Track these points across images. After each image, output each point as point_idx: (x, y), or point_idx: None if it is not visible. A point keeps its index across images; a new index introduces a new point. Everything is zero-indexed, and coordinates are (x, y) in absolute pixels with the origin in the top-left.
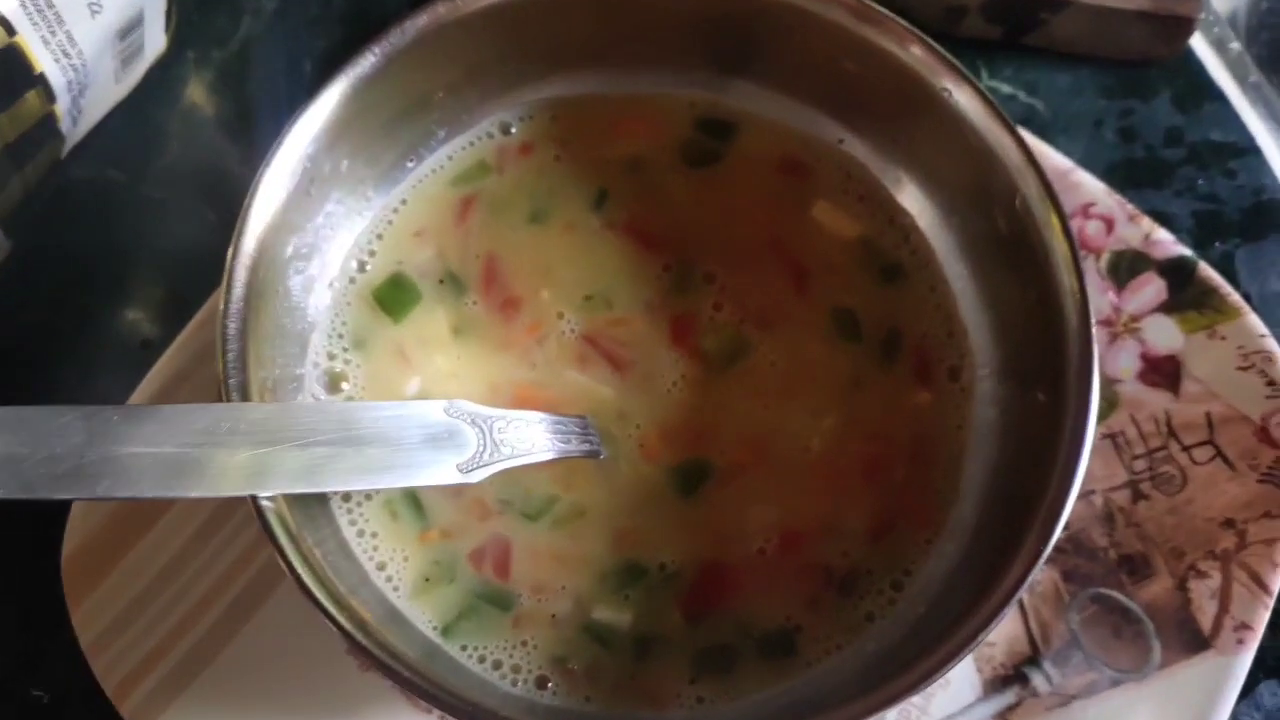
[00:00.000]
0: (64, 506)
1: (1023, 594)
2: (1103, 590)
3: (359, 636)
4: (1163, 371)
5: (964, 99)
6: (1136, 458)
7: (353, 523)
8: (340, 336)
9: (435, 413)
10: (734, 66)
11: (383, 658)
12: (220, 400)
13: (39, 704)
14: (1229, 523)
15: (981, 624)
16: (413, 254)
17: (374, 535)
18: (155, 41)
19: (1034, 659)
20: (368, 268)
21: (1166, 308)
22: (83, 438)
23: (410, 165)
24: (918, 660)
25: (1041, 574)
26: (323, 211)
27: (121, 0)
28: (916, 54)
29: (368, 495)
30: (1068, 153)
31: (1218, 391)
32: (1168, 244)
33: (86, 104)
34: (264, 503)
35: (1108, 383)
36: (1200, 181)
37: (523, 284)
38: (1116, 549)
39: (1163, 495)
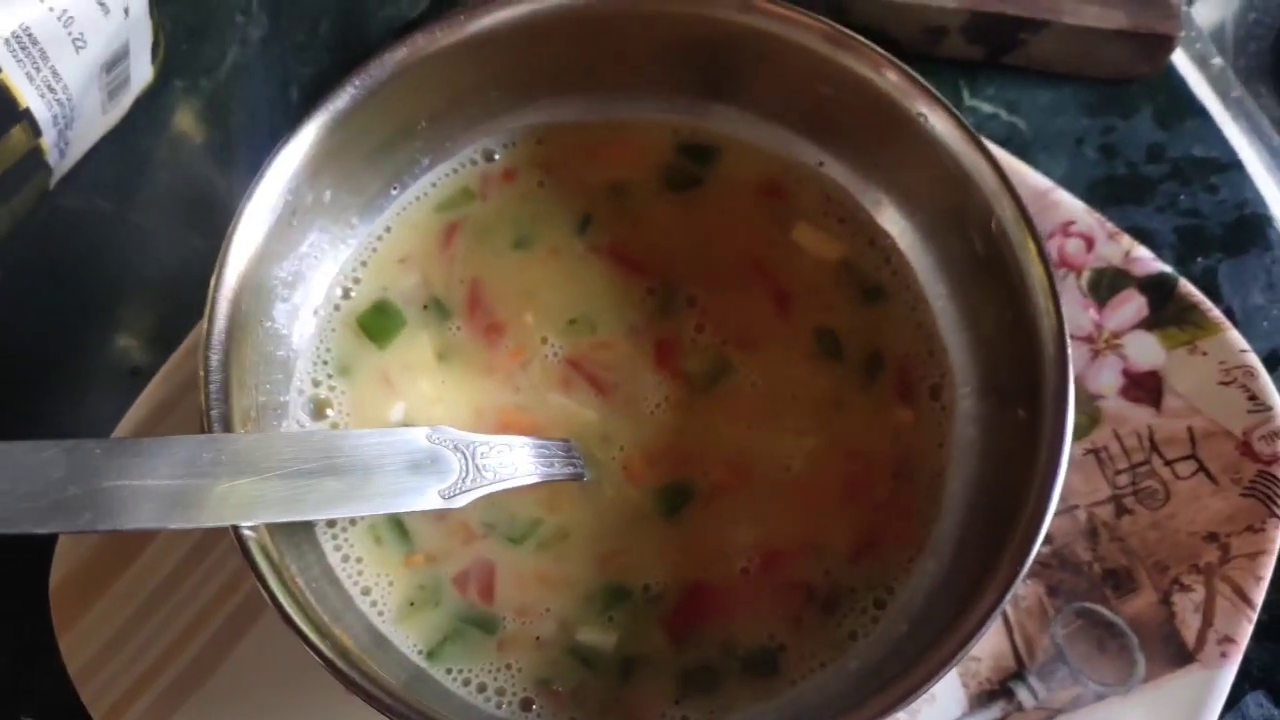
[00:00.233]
0: (51, 536)
1: (1004, 609)
2: (1087, 604)
3: (341, 665)
4: (1145, 387)
5: (939, 123)
6: (1119, 473)
7: (337, 548)
8: (325, 363)
9: (418, 439)
10: (714, 92)
11: (365, 685)
12: (203, 431)
13: None
14: (1212, 536)
15: (963, 640)
16: (397, 281)
17: (359, 560)
18: (142, 72)
19: (1019, 673)
20: (352, 294)
21: (1148, 324)
22: (64, 471)
23: (394, 193)
24: (901, 677)
25: (1026, 589)
26: (306, 240)
27: (106, 34)
28: (891, 79)
29: (352, 521)
30: (1050, 171)
31: (1199, 406)
32: (1147, 261)
33: (74, 136)
34: (246, 532)
35: (1090, 399)
36: (1182, 197)
37: (507, 309)
38: (1100, 563)
39: (1146, 510)
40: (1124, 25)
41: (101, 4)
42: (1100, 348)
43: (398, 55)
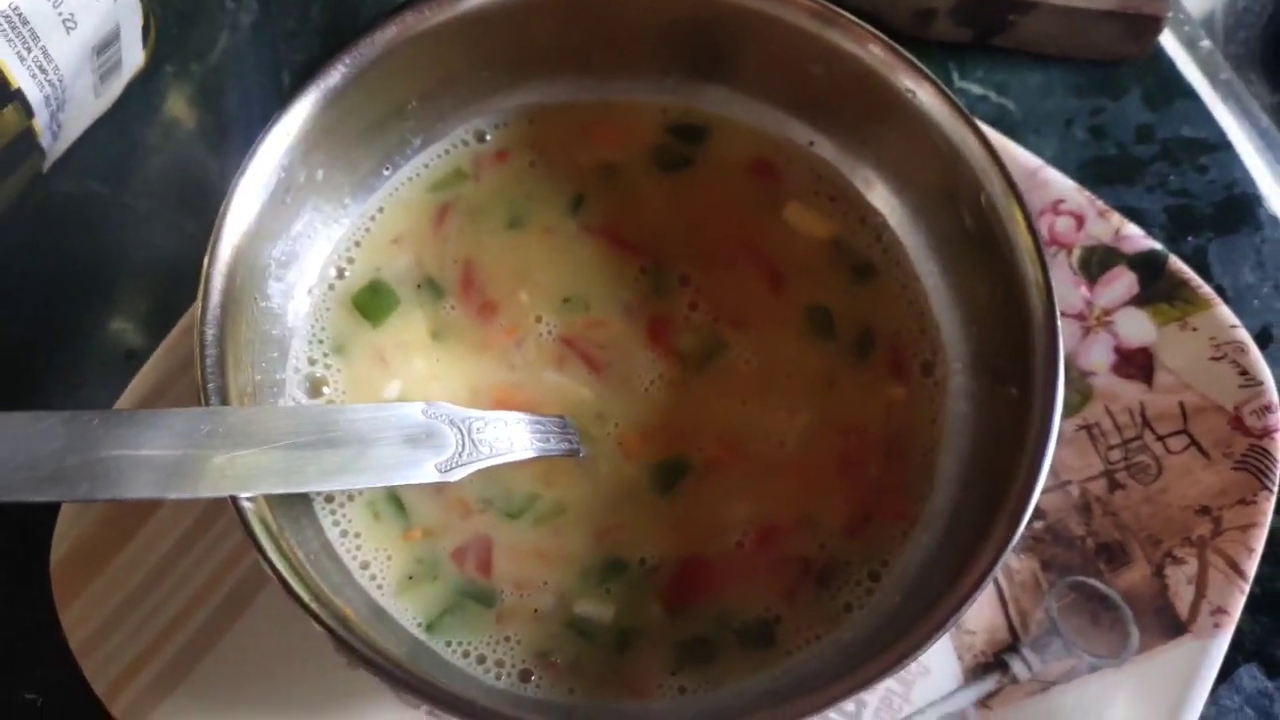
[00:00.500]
0: (52, 511)
1: (999, 582)
2: (1081, 578)
3: (343, 633)
4: (1136, 363)
5: (927, 98)
6: (1112, 448)
7: (336, 523)
8: (320, 342)
9: (414, 414)
10: (704, 72)
11: (368, 653)
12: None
13: (32, 707)
14: (1204, 510)
15: (953, 609)
16: (391, 260)
17: (357, 535)
18: (134, 56)
19: (1014, 646)
20: (346, 274)
21: (1138, 301)
22: (62, 442)
23: (387, 173)
24: (893, 645)
25: (1020, 563)
26: (300, 219)
27: (97, 16)
28: (878, 54)
29: (350, 496)
30: (1040, 152)
31: (1191, 382)
32: (1137, 238)
33: (66, 119)
34: (245, 504)
35: (1082, 376)
36: (1172, 177)
37: (500, 288)
38: (1094, 538)
39: (1139, 484)
40: (1112, 6)
41: None
42: (1091, 325)
43: (388, 33)
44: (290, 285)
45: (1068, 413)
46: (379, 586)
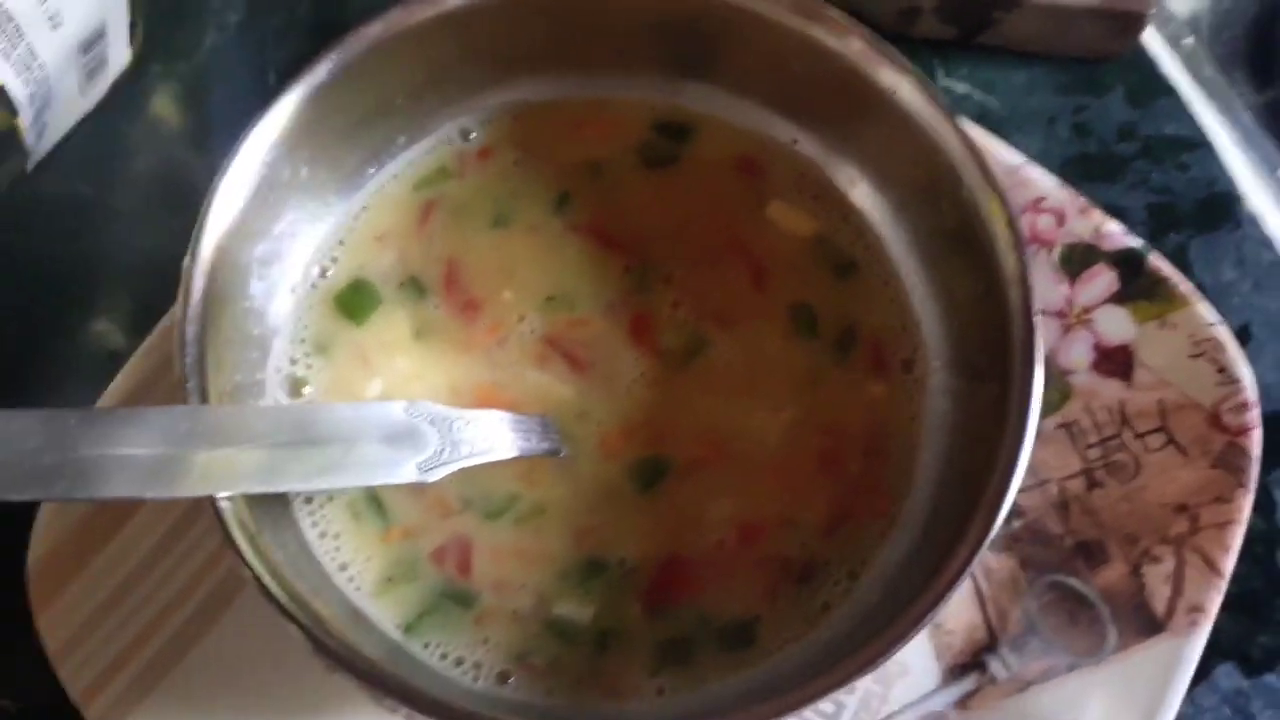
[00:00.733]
0: (29, 514)
1: (977, 581)
2: (1059, 577)
3: (320, 636)
4: (1115, 361)
5: (908, 93)
6: (1090, 446)
7: (315, 524)
8: (302, 341)
9: (395, 413)
10: (689, 70)
11: (345, 656)
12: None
13: (7, 714)
14: (1182, 508)
15: (928, 608)
16: (375, 259)
17: (336, 536)
18: (119, 55)
19: (992, 646)
20: (329, 273)
21: (1118, 298)
22: (40, 440)
23: (371, 171)
24: (869, 642)
25: (999, 562)
26: (284, 218)
27: (82, 13)
28: (858, 47)
29: (330, 497)
30: (1023, 149)
31: (1170, 379)
32: (1118, 236)
33: (51, 117)
34: (223, 505)
35: (1061, 373)
36: (1153, 175)
37: (484, 286)
38: (1072, 536)
39: (1117, 483)
40: (1095, 4)
41: None
42: (1071, 323)
43: (374, 31)
44: (273, 284)
45: (1047, 411)
46: (358, 588)
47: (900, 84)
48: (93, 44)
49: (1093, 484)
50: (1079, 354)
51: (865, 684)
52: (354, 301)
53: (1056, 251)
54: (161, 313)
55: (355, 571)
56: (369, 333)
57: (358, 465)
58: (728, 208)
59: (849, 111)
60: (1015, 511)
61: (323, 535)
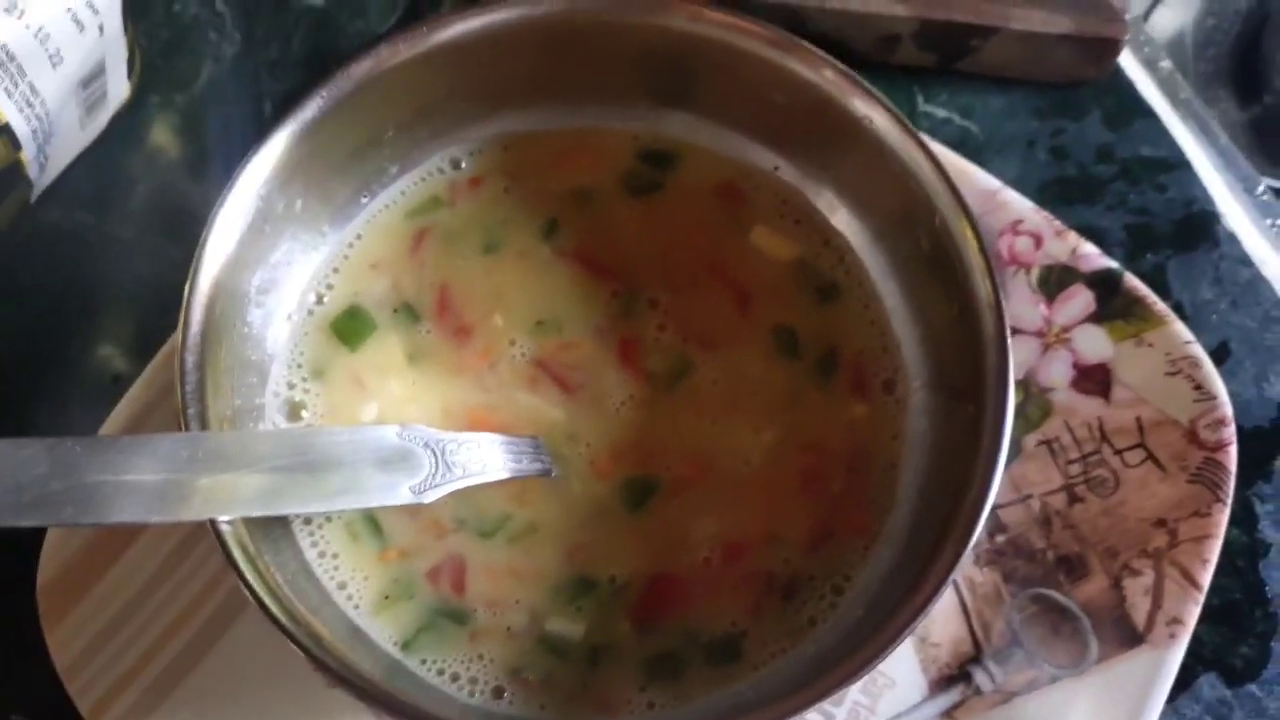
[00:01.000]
0: (38, 537)
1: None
2: (1042, 590)
3: (319, 653)
4: (1094, 379)
5: (882, 124)
6: (1071, 462)
7: (314, 544)
8: (299, 366)
9: (389, 437)
10: (671, 100)
11: (343, 673)
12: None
13: None
14: (1160, 522)
15: (909, 620)
16: (369, 285)
17: (335, 556)
18: (119, 88)
19: (977, 658)
20: (325, 300)
21: (1095, 318)
22: (47, 468)
23: (364, 200)
24: (852, 655)
25: (983, 576)
26: (279, 248)
27: (83, 51)
28: (832, 79)
29: (328, 518)
30: (1002, 173)
31: (1147, 397)
32: (1094, 257)
33: (53, 151)
34: (223, 527)
35: (1042, 391)
36: (1131, 196)
37: (476, 311)
38: (1054, 550)
39: (1097, 498)
40: (1069, 30)
41: (77, 21)
42: (1050, 342)
43: (363, 67)
44: (270, 311)
45: (1028, 428)
46: (356, 606)
47: (874, 113)
48: (93, 80)
49: (1074, 499)
50: (1058, 372)
51: (852, 696)
52: (349, 327)
53: (1034, 273)
54: (163, 336)
55: (353, 590)
56: (364, 358)
57: (354, 489)
58: (711, 233)
59: (827, 139)
60: (998, 526)
61: (321, 555)
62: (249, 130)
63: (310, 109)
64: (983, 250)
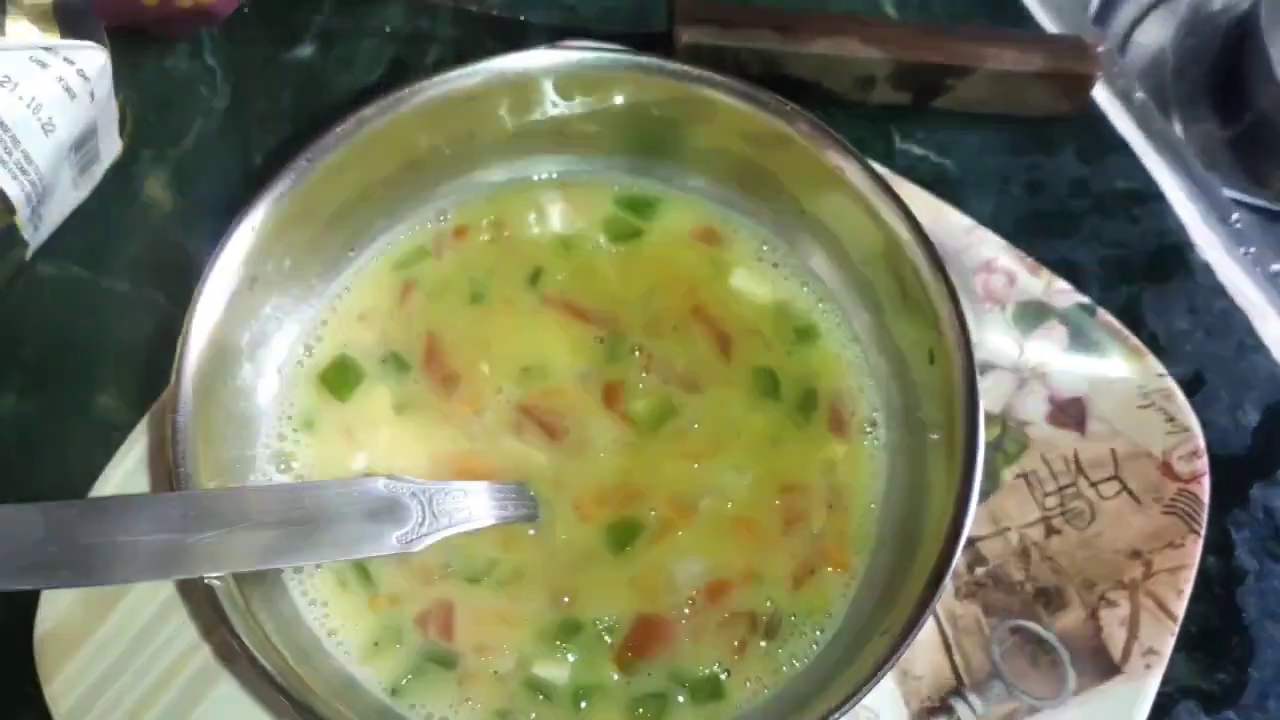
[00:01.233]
0: (35, 591)
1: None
2: (1021, 622)
3: (308, 703)
4: (1069, 413)
5: (851, 171)
6: (1048, 495)
7: (304, 593)
8: (289, 418)
9: (377, 488)
10: (650, 149)
11: None
12: (173, 487)
13: None
14: (1136, 553)
15: (888, 654)
16: (357, 337)
17: (324, 604)
18: (111, 147)
19: (958, 690)
20: (314, 351)
21: (1070, 352)
22: (44, 532)
23: (351, 254)
24: (834, 692)
25: (964, 609)
26: (269, 303)
27: (74, 118)
28: (806, 132)
29: (317, 566)
30: (978, 208)
31: (1121, 429)
32: (1068, 293)
33: (47, 211)
34: (214, 582)
35: (1019, 425)
36: (1106, 229)
37: (462, 360)
38: (1033, 582)
39: (1074, 530)
40: (1043, 68)
41: (68, 90)
42: (1026, 377)
43: (346, 129)
44: (260, 365)
45: (1006, 461)
46: (346, 653)
47: (846, 165)
48: (85, 142)
49: (1051, 531)
50: (1034, 406)
51: None
52: (338, 379)
53: (1010, 309)
54: (160, 386)
55: (344, 637)
56: (353, 408)
57: (344, 541)
58: (692, 278)
59: (801, 186)
60: (978, 559)
61: (312, 603)
62: (240, 182)
63: (293, 172)
64: (953, 295)
